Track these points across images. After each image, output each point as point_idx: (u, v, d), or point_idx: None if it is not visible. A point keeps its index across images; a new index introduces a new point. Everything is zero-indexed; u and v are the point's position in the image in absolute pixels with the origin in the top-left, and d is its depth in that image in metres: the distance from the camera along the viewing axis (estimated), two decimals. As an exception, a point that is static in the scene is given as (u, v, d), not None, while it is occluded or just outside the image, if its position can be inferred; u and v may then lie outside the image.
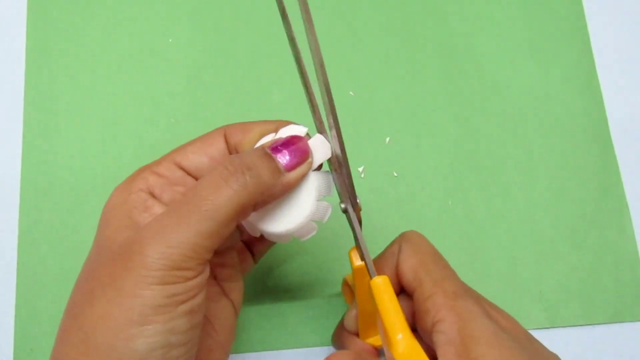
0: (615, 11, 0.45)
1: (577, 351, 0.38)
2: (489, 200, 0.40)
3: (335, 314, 0.37)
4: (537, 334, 0.37)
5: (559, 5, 0.45)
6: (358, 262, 0.29)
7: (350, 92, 0.42)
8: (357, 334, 0.32)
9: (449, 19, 0.44)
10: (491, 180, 0.40)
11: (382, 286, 0.28)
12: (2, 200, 0.39)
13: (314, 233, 0.29)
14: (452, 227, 0.39)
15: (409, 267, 0.28)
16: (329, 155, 0.28)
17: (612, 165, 0.41)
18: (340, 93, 0.42)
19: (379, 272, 0.29)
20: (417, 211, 0.39)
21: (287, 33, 0.26)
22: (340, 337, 0.33)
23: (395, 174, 0.40)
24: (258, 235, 0.29)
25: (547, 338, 0.38)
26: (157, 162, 0.28)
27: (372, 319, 0.30)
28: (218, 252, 0.28)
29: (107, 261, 0.24)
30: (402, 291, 0.30)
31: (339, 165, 0.28)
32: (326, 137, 0.28)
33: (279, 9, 0.26)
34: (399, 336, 0.26)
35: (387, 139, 0.41)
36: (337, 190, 0.29)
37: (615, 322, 0.38)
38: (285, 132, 0.28)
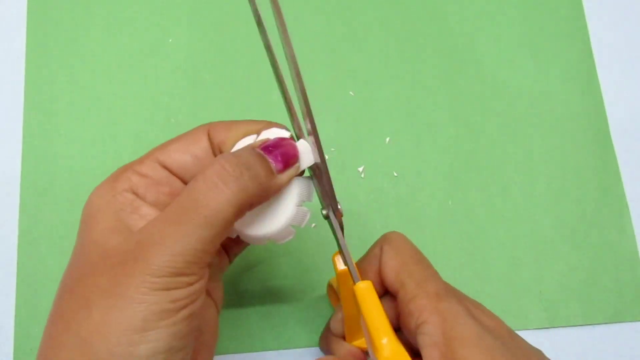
0: (615, 11, 0.45)
1: (577, 351, 0.38)
2: (489, 200, 0.40)
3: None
4: (537, 334, 0.38)
5: (559, 5, 0.45)
6: (341, 267, 0.29)
7: (350, 92, 0.42)
8: (343, 337, 0.32)
9: (449, 19, 0.44)
10: (491, 180, 0.40)
11: (365, 291, 0.28)
12: (2, 200, 0.39)
13: (291, 237, 0.28)
14: (452, 227, 0.39)
15: (391, 268, 0.29)
16: (312, 162, 0.28)
17: (612, 165, 0.41)
18: (340, 93, 0.42)
19: (363, 275, 0.29)
20: (417, 211, 0.39)
21: (263, 41, 0.26)
22: (327, 341, 0.33)
23: (395, 174, 0.40)
24: (234, 236, 0.29)
25: (547, 338, 0.38)
26: (140, 161, 0.27)
27: (357, 321, 0.30)
28: None
29: (104, 267, 0.24)
30: (387, 292, 0.30)
31: (319, 172, 0.27)
32: (309, 144, 0.28)
33: (254, 17, 0.26)
34: (384, 340, 0.27)
35: (387, 139, 0.41)
36: (318, 196, 0.29)
37: (615, 322, 0.38)
38: (267, 135, 0.28)
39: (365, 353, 0.32)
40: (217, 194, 0.24)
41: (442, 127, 0.41)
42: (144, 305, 0.22)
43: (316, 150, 0.27)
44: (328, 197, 0.28)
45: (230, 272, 0.37)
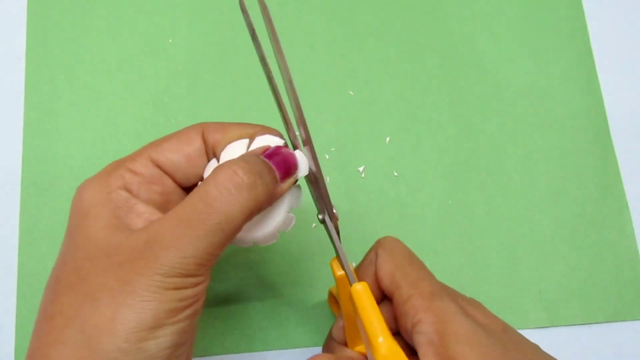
0: (615, 11, 0.45)
1: (577, 350, 0.38)
2: (489, 200, 0.40)
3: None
4: (537, 333, 0.38)
5: (559, 5, 0.45)
6: (339, 272, 0.29)
7: (350, 92, 0.42)
8: (345, 344, 0.32)
9: (449, 19, 0.44)
10: (491, 180, 0.41)
11: (361, 292, 0.28)
12: (3, 199, 0.39)
13: (274, 241, 0.29)
14: (452, 227, 0.39)
15: (386, 271, 0.29)
16: (307, 172, 0.28)
17: (612, 165, 0.41)
18: (340, 93, 0.42)
19: (360, 280, 0.29)
20: (417, 211, 0.39)
21: (257, 53, 0.26)
22: (329, 348, 0.33)
23: (395, 174, 0.40)
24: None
25: (547, 337, 0.38)
26: (132, 158, 0.27)
27: (358, 326, 0.30)
28: None
29: (110, 264, 0.24)
30: (385, 298, 0.30)
31: (315, 179, 0.28)
32: (303, 153, 0.28)
33: (249, 30, 0.26)
34: (380, 339, 0.27)
35: (387, 139, 0.41)
36: (314, 200, 0.29)
37: (615, 321, 0.38)
38: (262, 142, 0.28)
39: (367, 358, 0.32)
40: (230, 201, 0.24)
41: (442, 127, 0.41)
42: (154, 304, 0.23)
43: (311, 159, 0.27)
44: (323, 202, 0.29)
45: (231, 273, 0.37)
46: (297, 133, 0.27)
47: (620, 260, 0.39)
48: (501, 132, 0.42)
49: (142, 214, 0.26)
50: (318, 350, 0.36)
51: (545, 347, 0.38)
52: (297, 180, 0.28)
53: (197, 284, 0.24)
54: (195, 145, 0.28)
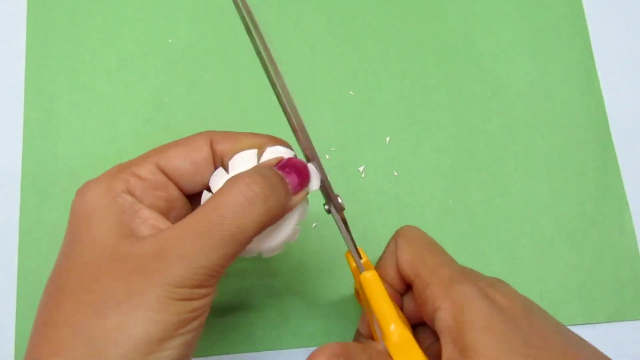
0: (615, 11, 0.45)
1: (577, 350, 0.38)
2: (489, 200, 0.40)
3: (336, 313, 0.37)
4: (537, 334, 0.38)
5: (559, 4, 0.45)
6: (354, 264, 0.29)
7: (350, 92, 0.42)
8: (372, 337, 0.32)
9: (449, 19, 0.44)
10: (491, 179, 0.40)
11: (371, 279, 0.28)
12: (3, 200, 0.39)
13: (280, 252, 0.29)
14: (453, 227, 0.39)
15: (406, 260, 0.28)
16: (318, 186, 0.28)
17: (612, 164, 0.41)
18: (340, 93, 0.42)
19: (382, 273, 0.29)
20: (418, 211, 0.39)
21: (253, 47, 0.26)
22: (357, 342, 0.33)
23: (396, 174, 0.40)
24: None
25: (547, 337, 0.38)
26: (137, 163, 0.27)
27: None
28: None
29: (118, 272, 0.23)
30: (409, 288, 0.30)
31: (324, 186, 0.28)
32: (315, 167, 0.28)
33: (243, 25, 0.26)
34: (392, 327, 0.27)
35: (387, 139, 0.41)
36: (320, 191, 0.29)
37: (616, 321, 0.38)
38: (273, 153, 0.28)
39: None
40: (244, 214, 0.24)
41: (442, 127, 0.41)
42: (163, 315, 0.23)
43: (319, 173, 0.28)
44: (327, 193, 0.28)
45: (232, 273, 0.37)
46: (294, 120, 0.27)
47: (621, 260, 0.39)
48: (501, 132, 0.42)
49: (148, 219, 0.26)
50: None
51: (545, 347, 0.38)
52: (308, 193, 0.28)
53: (205, 296, 0.24)
54: (202, 153, 0.28)
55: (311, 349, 0.36)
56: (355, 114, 0.41)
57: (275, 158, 0.27)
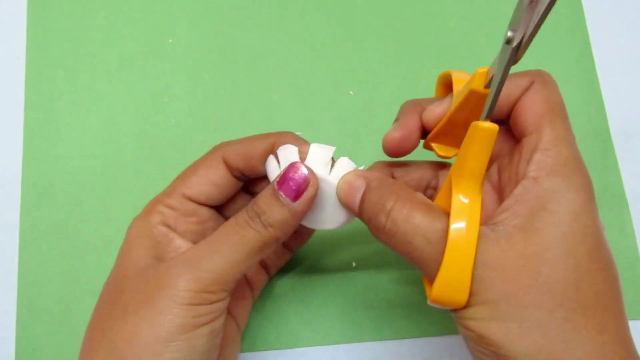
0: (615, 11, 0.45)
1: (577, 350, 0.38)
2: (489, 200, 0.40)
3: (336, 313, 0.37)
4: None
5: (559, 4, 0.45)
6: (483, 74, 0.26)
7: (350, 92, 0.42)
8: (422, 131, 0.30)
9: (449, 18, 0.44)
10: (491, 179, 0.40)
11: (490, 131, 0.24)
12: (3, 200, 0.39)
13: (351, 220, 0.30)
14: (452, 227, 0.39)
15: (535, 110, 0.26)
16: (330, 154, 0.29)
17: (612, 165, 0.41)
18: (340, 93, 0.42)
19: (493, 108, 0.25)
20: (417, 211, 0.39)
21: None
22: (408, 110, 0.31)
23: (396, 174, 0.40)
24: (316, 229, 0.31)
25: (547, 337, 0.38)
26: (168, 195, 0.30)
27: (455, 131, 0.28)
28: None
29: (139, 281, 0.27)
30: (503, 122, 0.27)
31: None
32: (319, 144, 0.29)
33: None
34: (465, 199, 0.24)
35: (387, 139, 0.41)
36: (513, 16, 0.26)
37: (615, 322, 0.38)
38: (282, 154, 0.29)
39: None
40: (244, 229, 0.27)
41: (442, 127, 0.41)
42: (169, 318, 0.25)
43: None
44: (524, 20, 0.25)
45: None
46: None
47: (620, 259, 0.39)
48: (501, 132, 0.42)
49: (179, 247, 0.29)
50: (318, 350, 0.36)
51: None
52: (314, 192, 0.28)
53: (212, 302, 0.26)
54: (219, 173, 0.31)
55: (311, 349, 0.36)
56: (355, 114, 0.41)
57: (276, 177, 0.28)
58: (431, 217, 0.25)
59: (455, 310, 0.25)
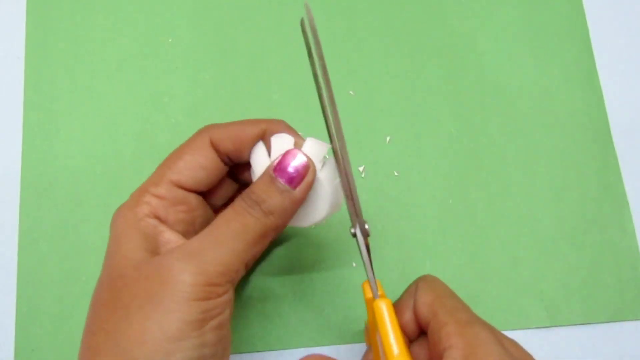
0: (615, 11, 0.45)
1: (578, 350, 0.38)
2: (490, 200, 0.40)
3: (336, 313, 0.37)
4: (538, 333, 0.38)
5: (559, 4, 0.45)
6: (370, 294, 0.29)
7: (350, 92, 0.42)
8: None
9: (449, 18, 0.44)
10: (492, 179, 0.40)
11: (385, 307, 0.28)
12: (3, 200, 0.39)
13: (337, 210, 0.30)
14: (453, 227, 0.39)
15: (425, 302, 0.29)
16: (325, 151, 0.29)
17: (613, 164, 0.41)
18: (340, 93, 0.42)
19: (399, 312, 0.29)
20: (418, 211, 0.39)
21: (312, 70, 0.28)
22: None
23: (396, 174, 0.40)
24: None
25: (548, 337, 0.38)
26: (156, 183, 0.29)
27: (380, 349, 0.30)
28: None
29: (139, 277, 0.26)
30: (421, 335, 0.30)
31: (350, 194, 0.29)
32: (316, 140, 0.29)
33: (306, 49, 0.29)
34: (396, 352, 0.27)
35: (388, 138, 0.41)
36: (349, 214, 0.30)
37: (616, 321, 0.38)
38: (277, 141, 0.29)
39: None
40: (244, 217, 0.27)
41: (443, 126, 0.41)
42: (177, 315, 0.24)
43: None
44: (356, 216, 0.29)
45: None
46: (337, 145, 0.28)
47: (621, 259, 0.39)
48: (502, 132, 0.41)
49: (169, 241, 0.28)
50: (318, 350, 0.36)
51: (545, 347, 0.38)
52: (313, 179, 0.28)
53: (219, 295, 0.26)
54: (207, 156, 0.29)
55: (311, 349, 0.36)
56: (355, 114, 0.41)
57: (273, 162, 0.28)
58: None
59: None
